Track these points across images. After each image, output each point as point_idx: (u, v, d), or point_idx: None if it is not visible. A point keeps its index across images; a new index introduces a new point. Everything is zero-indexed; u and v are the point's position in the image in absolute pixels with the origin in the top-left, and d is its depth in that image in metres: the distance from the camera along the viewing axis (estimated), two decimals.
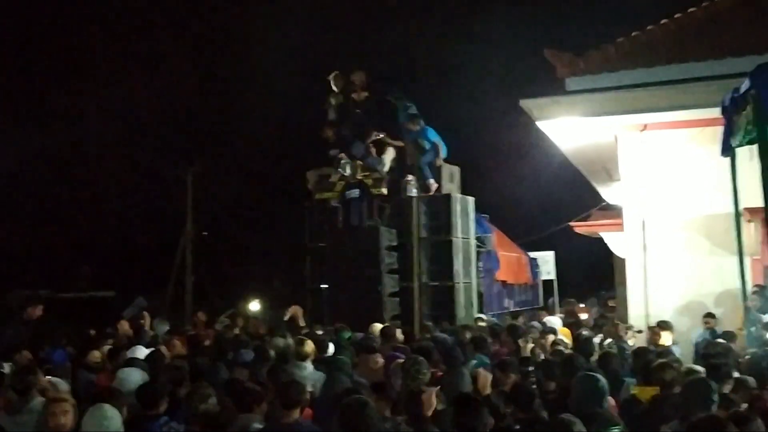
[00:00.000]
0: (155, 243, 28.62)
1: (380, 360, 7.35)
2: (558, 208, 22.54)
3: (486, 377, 5.71)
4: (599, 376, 5.08)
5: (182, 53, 31.84)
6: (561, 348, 7.68)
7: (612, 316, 12.71)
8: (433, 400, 5.05)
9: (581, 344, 7.91)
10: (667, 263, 10.65)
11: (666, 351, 7.42)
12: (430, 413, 5.02)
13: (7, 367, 7.03)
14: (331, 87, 13.24)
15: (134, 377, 6.31)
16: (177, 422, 5.31)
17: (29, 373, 5.90)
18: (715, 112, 8.83)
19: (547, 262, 20.16)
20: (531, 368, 6.73)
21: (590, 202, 17.81)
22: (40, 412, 5.49)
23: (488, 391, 5.59)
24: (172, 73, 31.12)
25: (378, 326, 9.40)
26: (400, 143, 12.77)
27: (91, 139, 27.81)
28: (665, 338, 8.51)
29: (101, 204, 29.42)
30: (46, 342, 9.08)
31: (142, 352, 7.98)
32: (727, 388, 5.38)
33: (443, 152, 12.50)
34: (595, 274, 23.57)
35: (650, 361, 5.96)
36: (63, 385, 6.21)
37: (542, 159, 17.28)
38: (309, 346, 7.15)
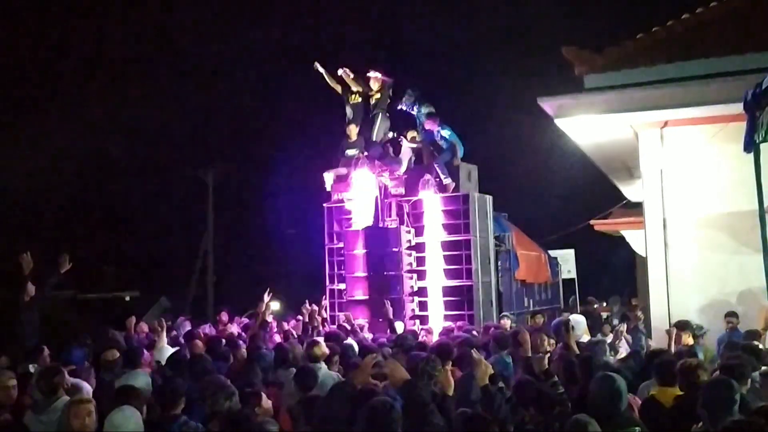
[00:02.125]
0: (178, 243, 28.86)
1: None
2: (577, 206, 22.40)
3: (486, 366, 5.70)
4: (617, 376, 5.03)
5: (203, 54, 32.04)
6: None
7: (634, 315, 12.57)
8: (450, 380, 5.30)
9: (592, 345, 7.80)
10: (689, 262, 10.50)
11: (688, 351, 7.33)
12: (450, 392, 5.22)
13: (32, 368, 7.12)
14: (347, 86, 13.33)
15: (140, 381, 6.36)
16: (195, 421, 5.34)
17: (55, 374, 5.97)
18: (737, 108, 8.72)
19: (567, 260, 19.97)
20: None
21: (610, 200, 17.67)
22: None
23: (486, 381, 5.59)
24: (193, 74, 31.35)
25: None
26: (415, 145, 12.78)
27: (114, 141, 28.08)
28: (685, 338, 8.40)
29: (124, 205, 29.69)
30: (69, 341, 9.19)
31: (168, 351, 8.06)
32: (744, 388, 5.31)
33: (460, 152, 12.47)
34: (616, 273, 23.39)
35: (670, 363, 5.86)
36: (86, 387, 6.27)
37: (561, 157, 17.17)
38: (320, 348, 7.15)
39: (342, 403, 5.03)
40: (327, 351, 7.23)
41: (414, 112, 12.80)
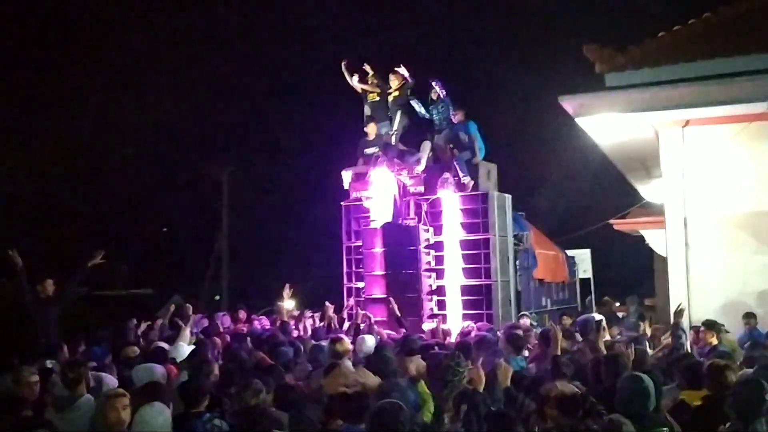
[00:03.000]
0: (192, 241, 28.94)
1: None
2: (592, 206, 22.30)
3: (507, 369, 5.71)
4: (645, 376, 5.00)
5: (219, 52, 32.12)
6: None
7: (652, 315, 12.51)
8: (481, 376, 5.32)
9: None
10: (710, 261, 10.43)
11: (710, 352, 7.27)
12: (481, 388, 5.26)
13: (49, 364, 7.13)
14: (366, 85, 13.34)
15: (156, 373, 6.38)
16: (219, 418, 5.34)
17: (80, 366, 5.99)
18: (761, 107, 8.66)
19: (583, 260, 19.92)
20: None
21: (626, 200, 17.60)
22: (88, 409, 5.58)
23: (507, 383, 5.61)
24: (208, 72, 31.42)
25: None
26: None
27: (129, 139, 28.20)
28: (708, 338, 8.34)
29: (139, 202, 29.81)
30: (84, 338, 9.21)
31: (184, 349, 8.06)
32: None
33: (481, 153, 12.43)
34: (632, 273, 23.29)
35: (697, 364, 5.81)
36: (111, 382, 6.29)
37: (578, 156, 17.12)
38: (343, 344, 7.15)
39: (315, 411, 5.15)
40: (350, 347, 7.25)
41: (443, 105, 12.66)
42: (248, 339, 8.98)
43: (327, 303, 11.26)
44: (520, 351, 7.57)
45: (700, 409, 5.34)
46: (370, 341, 8.08)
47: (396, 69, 12.92)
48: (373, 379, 5.76)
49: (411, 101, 12.81)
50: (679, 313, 8.76)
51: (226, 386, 6.03)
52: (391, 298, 10.77)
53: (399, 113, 13.05)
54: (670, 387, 5.97)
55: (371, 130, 13.04)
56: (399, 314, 10.49)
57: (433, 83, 12.59)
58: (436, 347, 7.62)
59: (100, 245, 9.41)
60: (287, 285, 12.03)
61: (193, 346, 8.20)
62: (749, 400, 4.72)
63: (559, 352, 6.45)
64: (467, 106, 12.68)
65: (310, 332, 10.31)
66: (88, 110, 27.89)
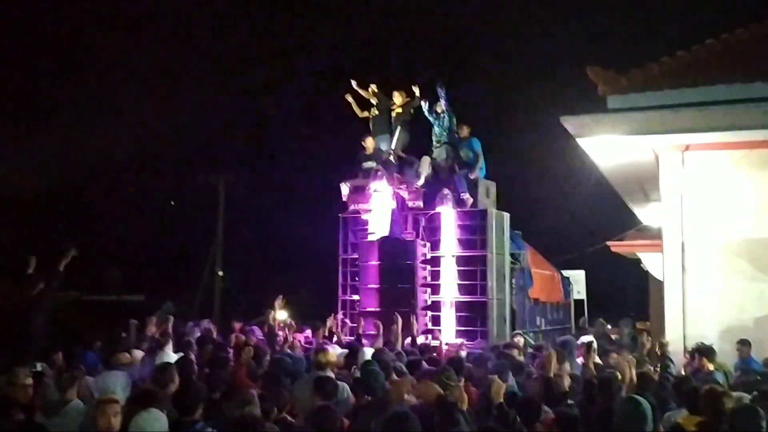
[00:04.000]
0: (186, 248, 28.83)
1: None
2: (588, 228, 22.36)
3: (499, 384, 5.69)
4: (642, 399, 4.97)
5: (217, 60, 32.17)
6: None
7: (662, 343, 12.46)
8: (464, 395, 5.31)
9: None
10: (706, 287, 10.43)
11: (709, 377, 7.24)
12: (464, 407, 5.22)
13: (39, 367, 7.06)
14: (369, 99, 13.36)
15: (118, 382, 6.33)
16: (212, 428, 5.28)
17: (75, 369, 5.96)
18: (762, 135, 8.69)
19: (577, 281, 19.89)
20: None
21: (622, 223, 17.64)
22: (77, 415, 5.53)
23: (500, 399, 5.59)
24: (206, 79, 31.45)
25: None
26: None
27: (124, 144, 28.14)
28: (704, 363, 8.31)
29: (133, 208, 29.72)
30: (75, 343, 9.15)
31: (170, 356, 7.99)
32: None
33: (482, 171, 12.44)
34: (626, 296, 23.30)
35: (697, 389, 5.78)
36: (102, 386, 6.24)
37: (577, 177, 17.17)
38: (326, 355, 7.10)
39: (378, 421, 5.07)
40: (334, 359, 7.17)
41: (442, 102, 12.65)
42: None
43: (334, 316, 11.17)
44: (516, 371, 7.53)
45: None
46: (369, 355, 8.01)
47: (412, 85, 12.92)
48: (434, 390, 5.53)
49: (420, 102, 12.80)
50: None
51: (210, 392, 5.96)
52: (396, 314, 10.13)
53: (399, 129, 13.06)
54: (672, 413, 5.94)
55: (369, 144, 13.07)
56: (399, 332, 9.94)
57: (438, 88, 12.56)
58: (425, 363, 7.58)
59: (92, 249, 9.35)
60: (280, 296, 11.93)
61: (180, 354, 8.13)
62: (744, 428, 4.70)
63: (551, 374, 6.42)
64: (471, 122, 12.72)
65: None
66: (85, 115, 27.88)
